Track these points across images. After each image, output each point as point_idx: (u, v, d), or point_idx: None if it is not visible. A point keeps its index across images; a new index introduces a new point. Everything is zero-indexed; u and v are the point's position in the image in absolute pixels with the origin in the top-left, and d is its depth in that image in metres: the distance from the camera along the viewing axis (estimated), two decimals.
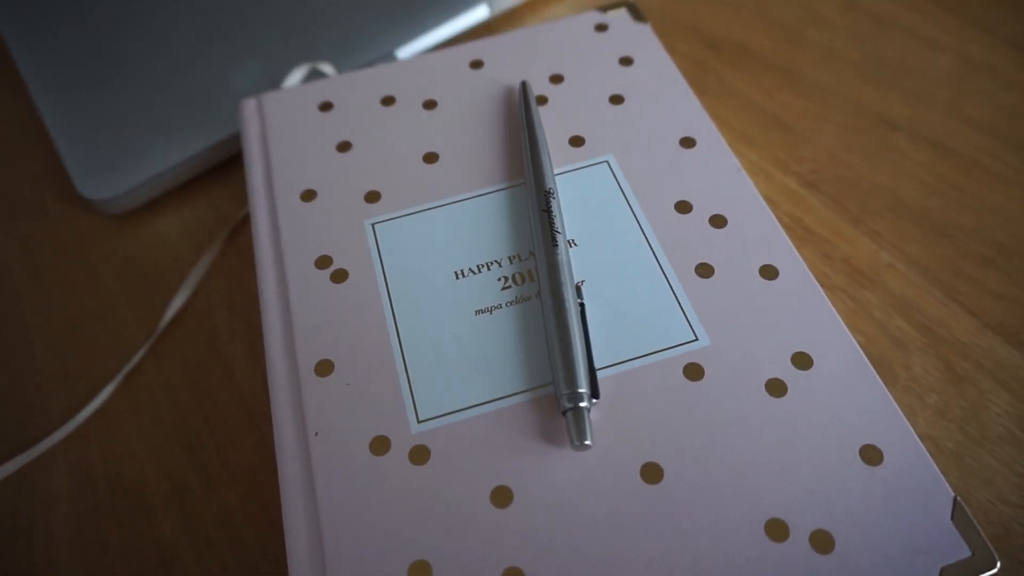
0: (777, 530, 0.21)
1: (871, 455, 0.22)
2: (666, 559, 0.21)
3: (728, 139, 0.35)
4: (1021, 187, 0.33)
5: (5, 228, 0.35)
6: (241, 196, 0.35)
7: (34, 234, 0.35)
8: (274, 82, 0.36)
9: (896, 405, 0.23)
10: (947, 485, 0.22)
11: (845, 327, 0.24)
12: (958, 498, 0.21)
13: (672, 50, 0.39)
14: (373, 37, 0.38)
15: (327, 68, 0.36)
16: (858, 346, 0.24)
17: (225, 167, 0.36)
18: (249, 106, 0.32)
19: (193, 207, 0.35)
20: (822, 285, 0.29)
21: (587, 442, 0.22)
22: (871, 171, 0.34)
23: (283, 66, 0.37)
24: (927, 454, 0.22)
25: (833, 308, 0.25)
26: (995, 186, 0.33)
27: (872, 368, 0.24)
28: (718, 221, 0.27)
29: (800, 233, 0.32)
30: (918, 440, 0.22)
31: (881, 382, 0.23)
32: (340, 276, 0.26)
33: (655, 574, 0.20)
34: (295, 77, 0.36)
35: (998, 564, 0.20)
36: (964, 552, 0.20)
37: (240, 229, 0.34)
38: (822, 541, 0.21)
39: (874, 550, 0.21)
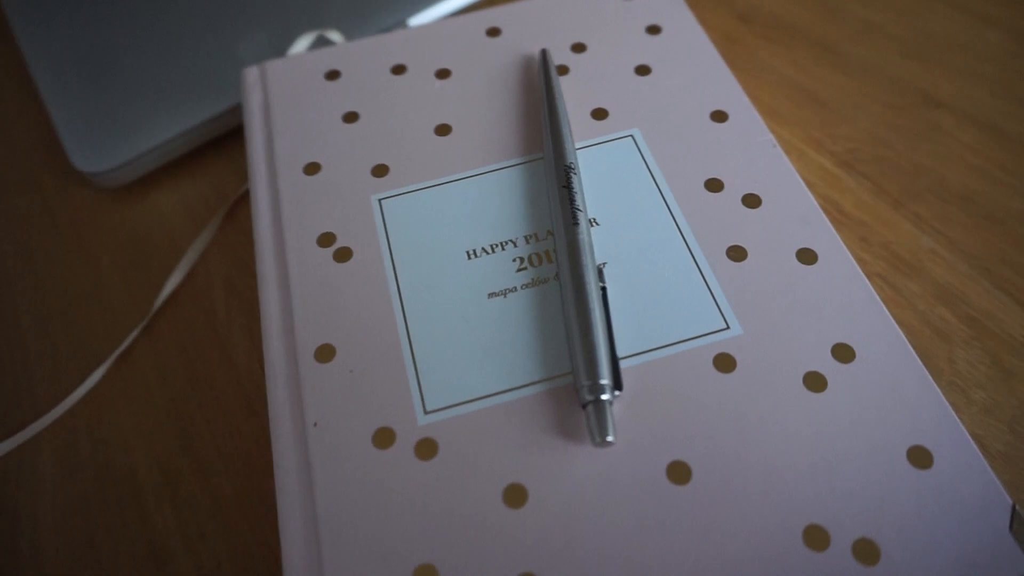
0: (816, 538, 0.19)
1: (920, 458, 0.20)
2: (694, 566, 0.19)
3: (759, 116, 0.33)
4: None
5: None
6: (242, 172, 0.34)
7: (26, 208, 0.33)
8: (279, 51, 0.35)
9: (948, 404, 0.21)
10: (1004, 492, 0.20)
11: (891, 317, 0.22)
12: (1017, 507, 0.19)
13: (701, 22, 0.37)
14: (384, 5, 0.36)
15: (335, 36, 0.34)
16: (905, 339, 0.22)
17: (226, 141, 0.35)
18: (251, 74, 0.30)
19: (192, 182, 0.33)
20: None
21: (609, 438, 0.20)
22: (913, 151, 0.32)
23: (289, 35, 0.35)
24: (982, 458, 0.20)
25: (877, 297, 0.23)
26: None
27: (921, 363, 0.22)
28: (752, 200, 0.25)
29: (836, 216, 0.30)
30: (972, 442, 0.20)
31: (931, 378, 0.21)
32: (344, 255, 0.25)
33: None
34: (301, 45, 0.34)
35: None
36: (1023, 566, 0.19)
37: (240, 205, 0.32)
38: (866, 551, 0.19)
39: (924, 562, 0.19)
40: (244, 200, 0.32)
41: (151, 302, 0.30)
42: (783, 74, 0.35)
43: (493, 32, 0.31)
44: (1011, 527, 0.19)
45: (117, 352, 0.28)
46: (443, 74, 0.29)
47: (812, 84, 0.34)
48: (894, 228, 0.30)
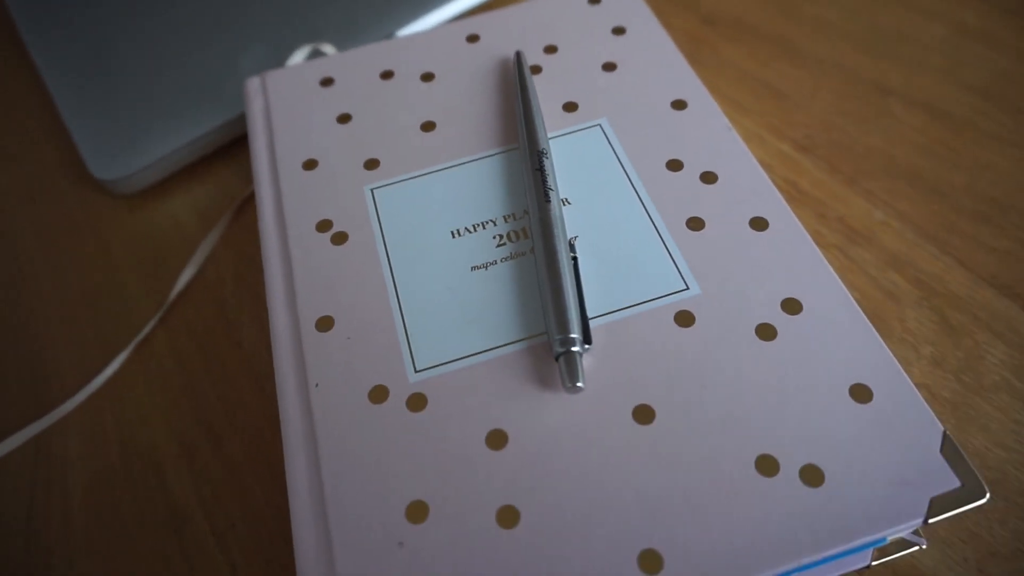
0: (767, 465, 0.21)
1: (860, 393, 0.22)
2: (657, 494, 0.21)
3: (723, 108, 0.35)
4: (1014, 145, 0.33)
5: (23, 210, 0.36)
6: (247, 175, 0.36)
7: (50, 215, 0.36)
8: (278, 63, 0.37)
9: (885, 345, 0.23)
10: (937, 420, 0.22)
11: (834, 273, 0.25)
12: (947, 431, 0.22)
13: (668, 26, 0.40)
14: (374, 19, 0.39)
15: (329, 49, 0.37)
16: (847, 291, 0.24)
17: (233, 148, 0.37)
18: (253, 84, 0.33)
19: (202, 187, 0.36)
20: (817, 244, 0.29)
21: (579, 384, 0.22)
22: (865, 135, 0.34)
23: (287, 49, 0.38)
24: (916, 391, 0.22)
25: (822, 255, 0.25)
26: (988, 145, 0.33)
27: (860, 311, 0.24)
28: (709, 177, 0.28)
29: (795, 195, 0.33)
30: (907, 378, 0.23)
31: (870, 324, 0.24)
32: (340, 238, 0.27)
33: (646, 508, 0.21)
34: (298, 57, 0.37)
35: (987, 494, 0.20)
36: (953, 483, 0.21)
37: (246, 206, 0.35)
38: (812, 475, 0.21)
39: (863, 482, 0.21)
40: (250, 201, 0.35)
41: (166, 295, 0.32)
42: (745, 69, 0.38)
43: (472, 39, 0.33)
44: (942, 449, 0.21)
45: (137, 340, 0.31)
46: (427, 77, 0.32)
47: (771, 78, 0.37)
48: (848, 204, 0.32)
